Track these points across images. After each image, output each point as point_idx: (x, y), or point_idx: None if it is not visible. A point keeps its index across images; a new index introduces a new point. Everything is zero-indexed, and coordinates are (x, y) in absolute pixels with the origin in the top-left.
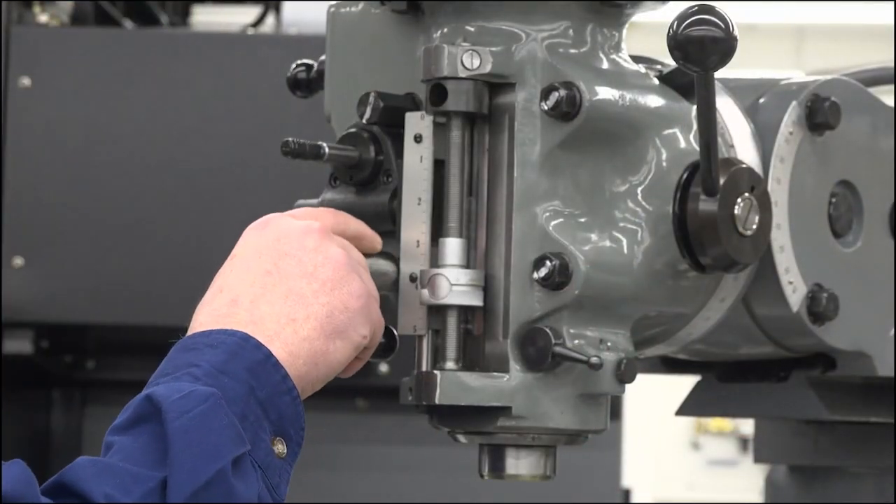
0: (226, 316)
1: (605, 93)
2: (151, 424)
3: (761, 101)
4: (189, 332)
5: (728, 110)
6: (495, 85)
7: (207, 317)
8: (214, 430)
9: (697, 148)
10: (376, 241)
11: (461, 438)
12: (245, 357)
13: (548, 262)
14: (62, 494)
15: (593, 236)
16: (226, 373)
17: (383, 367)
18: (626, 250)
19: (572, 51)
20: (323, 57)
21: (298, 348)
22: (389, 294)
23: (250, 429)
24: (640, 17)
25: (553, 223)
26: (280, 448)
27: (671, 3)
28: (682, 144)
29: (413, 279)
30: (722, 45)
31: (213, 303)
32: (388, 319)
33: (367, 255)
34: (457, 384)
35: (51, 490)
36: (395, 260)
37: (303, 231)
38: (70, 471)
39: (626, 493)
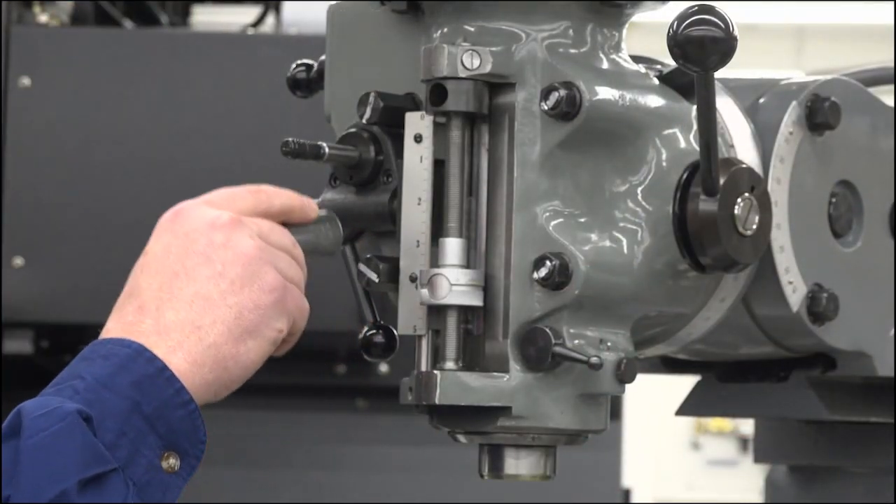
0: (132, 324)
1: (605, 93)
2: (13, 441)
3: (761, 101)
4: (100, 338)
5: (728, 110)
6: (495, 85)
7: (115, 324)
8: (64, 450)
9: (697, 148)
10: (308, 208)
11: (461, 438)
12: (133, 370)
13: (548, 262)
14: None
15: (593, 236)
16: (108, 387)
17: (383, 367)
18: (626, 250)
19: (572, 51)
20: (323, 57)
21: (203, 356)
22: (390, 294)
23: (128, 445)
24: (640, 17)
25: (553, 223)
26: (172, 462)
27: (671, 3)
28: (682, 144)
29: (413, 279)
30: (722, 45)
31: (123, 308)
32: (388, 319)
33: (304, 224)
34: (457, 384)
35: None
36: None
37: (211, 225)
38: None
39: (626, 493)
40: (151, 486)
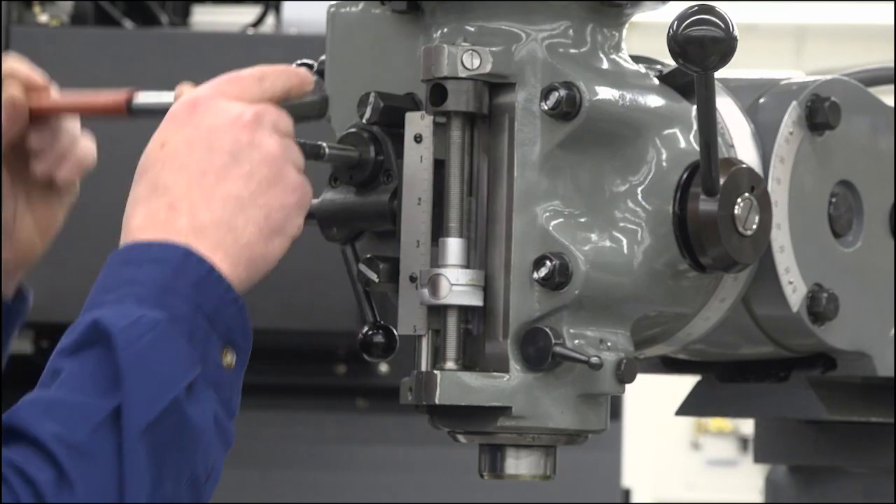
0: (165, 223)
1: (605, 93)
2: (99, 350)
3: (761, 101)
4: (125, 235)
5: (728, 110)
6: (495, 85)
7: (145, 220)
8: (166, 358)
9: (697, 148)
10: (306, 82)
11: (461, 438)
12: (189, 273)
13: (548, 262)
14: (10, 437)
15: (593, 236)
16: (171, 291)
17: (383, 367)
18: (626, 250)
19: (572, 51)
20: (323, 57)
21: (239, 256)
22: (390, 294)
23: (199, 347)
24: (640, 17)
25: (553, 223)
26: (229, 359)
27: (671, 3)
28: (682, 144)
29: (413, 279)
30: (722, 45)
31: (150, 203)
32: (388, 319)
33: (301, 104)
34: (457, 384)
35: (1, 433)
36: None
37: (234, 123)
38: (16, 412)
39: (626, 493)
40: (221, 385)
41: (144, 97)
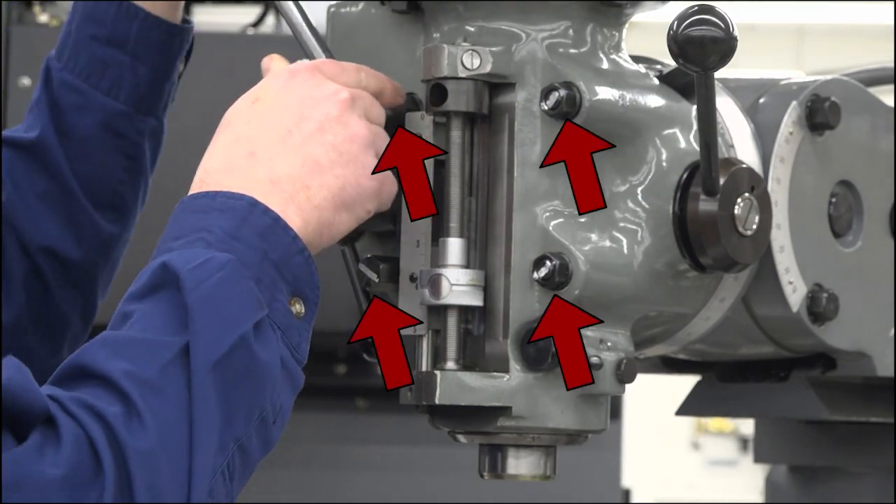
0: (244, 169)
1: (605, 93)
2: (169, 292)
3: (761, 101)
4: (200, 177)
5: (728, 110)
6: (495, 85)
7: (223, 164)
8: (234, 296)
9: (697, 148)
10: (398, 93)
11: (461, 438)
12: (254, 222)
13: (548, 262)
14: (80, 377)
15: (593, 236)
16: (238, 238)
17: None
18: (626, 250)
19: (572, 51)
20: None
21: (310, 215)
22: (390, 294)
23: (266, 292)
24: (640, 17)
25: (553, 223)
26: (298, 308)
27: (671, 3)
28: (682, 144)
29: (413, 279)
30: (722, 45)
31: (230, 150)
32: None
33: (393, 107)
34: (457, 384)
35: (67, 374)
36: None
37: (330, 97)
38: (85, 353)
39: (626, 493)
40: (290, 329)
41: None
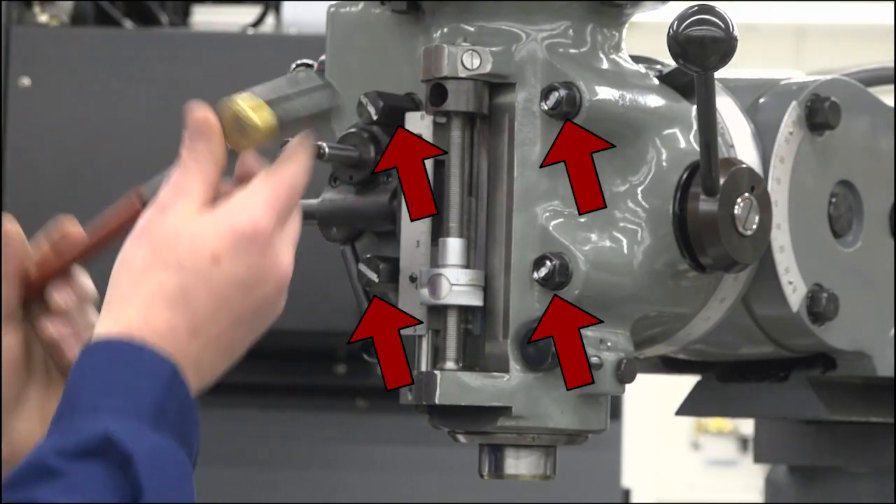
0: (180, 344)
1: (605, 93)
2: (111, 467)
3: (761, 101)
4: (125, 309)
5: (728, 110)
6: (495, 85)
7: (164, 327)
8: (187, 492)
9: (697, 148)
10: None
11: (461, 438)
12: (177, 395)
13: (548, 262)
14: None
15: (593, 236)
16: (165, 413)
17: None
18: (626, 250)
19: (572, 51)
20: (323, 57)
21: (207, 374)
22: (390, 294)
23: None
24: (640, 17)
25: (553, 223)
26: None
27: (671, 3)
28: (682, 144)
29: (413, 279)
30: (722, 45)
31: (175, 311)
32: None
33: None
34: (457, 384)
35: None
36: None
37: (281, 281)
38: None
39: (626, 493)
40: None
41: (150, 188)
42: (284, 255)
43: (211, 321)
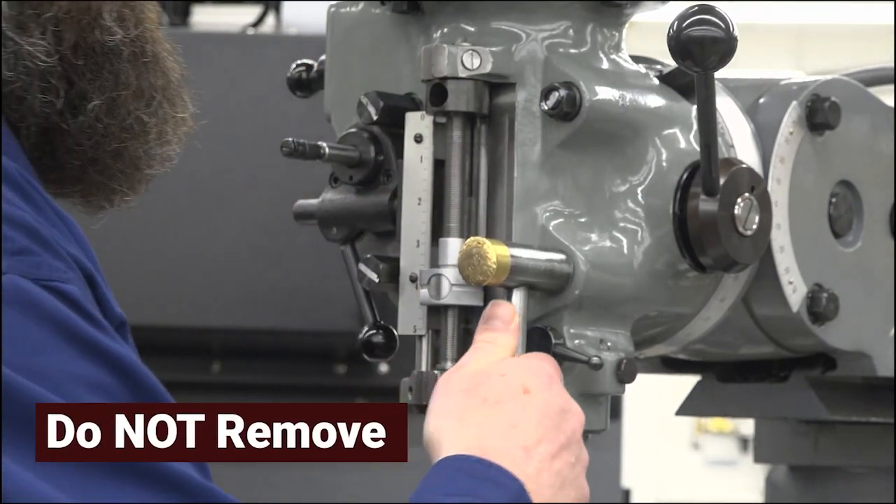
0: (517, 461)
1: (605, 93)
2: None
3: (761, 101)
4: (469, 441)
5: (728, 110)
6: (495, 85)
7: (500, 450)
8: None
9: (697, 148)
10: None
11: None
12: None
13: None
14: None
15: (593, 236)
16: None
17: (383, 367)
18: (626, 250)
19: (572, 51)
20: (323, 57)
21: None
22: (390, 294)
23: None
24: (640, 17)
25: (553, 223)
26: None
27: (671, 3)
28: (682, 144)
29: (413, 279)
30: (722, 45)
31: (507, 438)
32: (388, 319)
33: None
34: None
35: None
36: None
37: (573, 416)
38: None
39: (626, 493)
40: None
41: None
42: (569, 402)
43: (536, 436)
